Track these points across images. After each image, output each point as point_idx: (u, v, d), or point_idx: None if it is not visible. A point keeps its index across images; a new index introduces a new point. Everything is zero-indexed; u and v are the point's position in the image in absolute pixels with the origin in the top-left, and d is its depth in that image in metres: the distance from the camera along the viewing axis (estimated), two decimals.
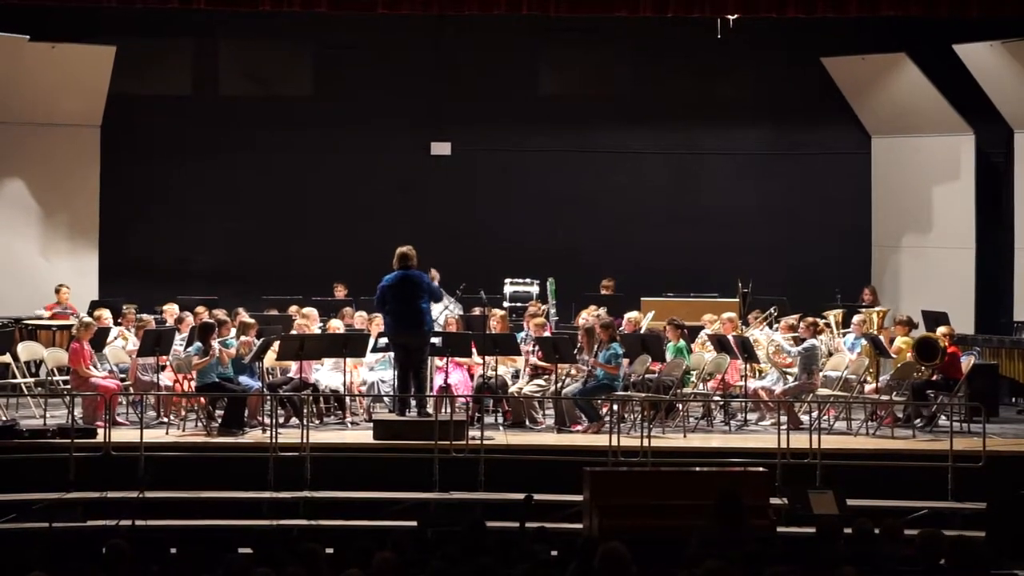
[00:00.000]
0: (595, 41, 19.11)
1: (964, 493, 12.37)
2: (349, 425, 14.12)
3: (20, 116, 17.91)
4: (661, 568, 7.72)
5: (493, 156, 19.44)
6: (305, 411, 13.23)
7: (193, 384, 13.80)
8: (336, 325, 14.94)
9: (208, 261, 18.92)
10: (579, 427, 13.91)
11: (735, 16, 16.02)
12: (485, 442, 12.79)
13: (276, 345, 14.12)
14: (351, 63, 19.31)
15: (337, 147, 19.13)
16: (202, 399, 13.73)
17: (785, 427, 12.94)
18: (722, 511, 8.71)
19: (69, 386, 14.06)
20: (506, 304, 17.10)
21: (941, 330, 14.56)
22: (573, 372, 14.46)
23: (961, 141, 18.29)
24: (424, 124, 19.33)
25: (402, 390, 13.61)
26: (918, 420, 14.19)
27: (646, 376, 14.32)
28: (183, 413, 13.95)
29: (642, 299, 17.05)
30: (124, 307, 15.94)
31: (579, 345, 14.49)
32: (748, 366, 14.68)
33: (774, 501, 11.43)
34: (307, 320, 14.87)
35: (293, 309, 15.79)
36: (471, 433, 12.95)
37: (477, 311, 15.78)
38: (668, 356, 14.52)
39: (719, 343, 14.74)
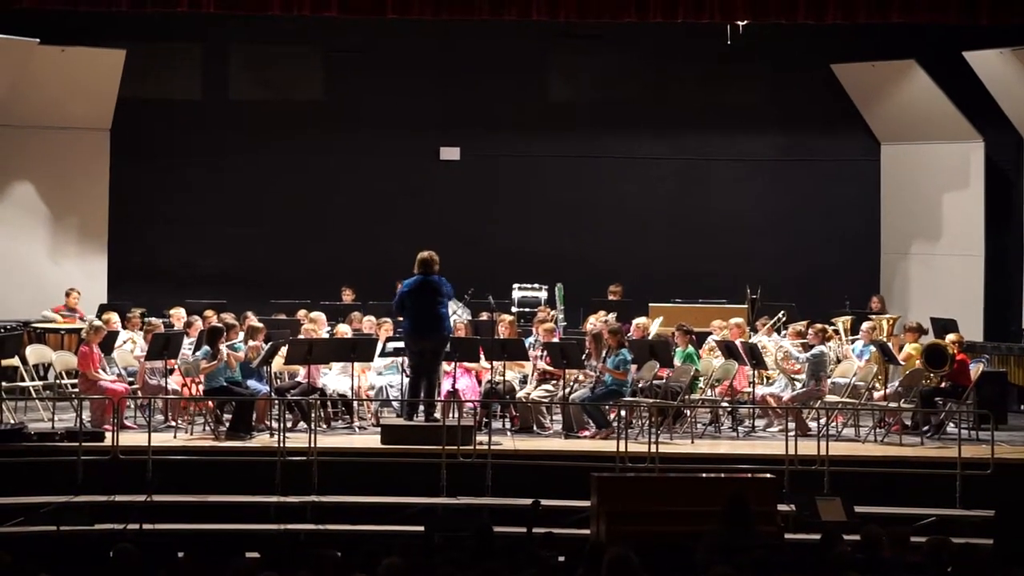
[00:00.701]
0: (604, 47, 19.07)
1: (972, 501, 12.36)
2: (357, 429, 14.10)
3: (30, 119, 17.91)
4: (669, 574, 7.71)
5: (502, 161, 19.43)
6: (313, 415, 13.24)
7: (201, 388, 13.81)
8: (344, 331, 14.94)
9: (216, 265, 18.91)
10: (587, 433, 13.89)
11: (744, 22, 15.97)
12: (493, 447, 12.79)
13: (284, 349, 14.14)
14: (360, 67, 19.28)
15: (346, 151, 19.12)
16: (210, 403, 13.74)
17: (793, 434, 12.93)
18: (731, 515, 8.69)
19: (77, 389, 14.07)
20: (514, 309, 17.08)
21: (950, 337, 14.52)
22: (581, 378, 14.44)
23: (970, 148, 18.25)
24: (433, 129, 19.33)
25: (413, 395, 13.61)
26: (926, 427, 14.16)
27: (654, 382, 14.30)
28: (191, 417, 13.95)
29: (650, 305, 17.01)
30: (129, 311, 15.93)
31: (587, 351, 14.48)
32: (756, 372, 14.65)
33: (782, 508, 11.42)
34: (315, 325, 14.87)
35: (301, 313, 15.78)
36: (479, 438, 12.97)
37: (485, 316, 15.77)
38: (676, 362, 14.51)
39: (727, 349, 14.73)
